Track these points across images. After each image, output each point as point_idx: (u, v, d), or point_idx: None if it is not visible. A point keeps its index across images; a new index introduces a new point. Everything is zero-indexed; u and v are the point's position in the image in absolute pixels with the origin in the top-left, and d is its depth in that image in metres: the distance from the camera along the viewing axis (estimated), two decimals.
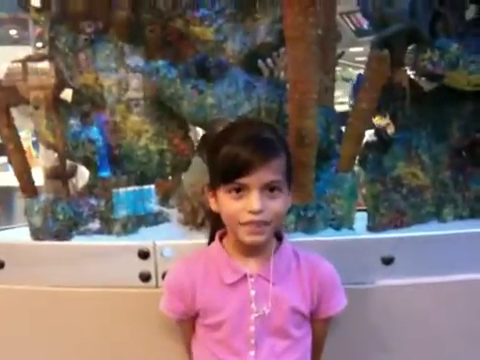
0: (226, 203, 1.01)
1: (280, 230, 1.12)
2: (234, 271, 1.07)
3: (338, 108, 1.77)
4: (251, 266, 1.07)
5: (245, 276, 1.06)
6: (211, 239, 1.16)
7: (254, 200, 0.98)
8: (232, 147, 0.99)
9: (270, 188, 1.00)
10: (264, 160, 0.98)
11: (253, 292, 1.06)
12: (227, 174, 0.99)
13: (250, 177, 0.98)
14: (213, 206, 1.07)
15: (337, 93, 1.73)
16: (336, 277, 1.13)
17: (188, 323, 1.14)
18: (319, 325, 1.14)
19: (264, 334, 1.06)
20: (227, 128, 1.10)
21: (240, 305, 1.06)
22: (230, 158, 0.99)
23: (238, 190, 1.00)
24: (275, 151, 1.01)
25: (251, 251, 1.07)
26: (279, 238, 1.11)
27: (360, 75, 1.50)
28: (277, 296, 1.06)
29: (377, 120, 1.63)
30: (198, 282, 1.08)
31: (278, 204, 1.01)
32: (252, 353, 1.06)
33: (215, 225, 1.14)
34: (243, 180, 0.98)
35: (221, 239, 1.12)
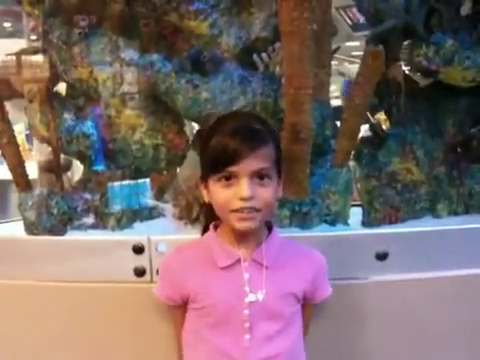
0: (216, 192, 1.03)
1: (270, 221, 1.14)
2: (227, 255, 1.08)
3: (333, 103, 1.76)
4: (244, 252, 1.08)
5: (238, 260, 1.07)
6: (204, 231, 1.17)
7: (244, 187, 1.00)
8: (221, 137, 1.02)
9: (259, 176, 1.02)
10: (252, 148, 1.00)
11: (247, 275, 1.07)
12: (216, 163, 1.01)
13: (239, 165, 1.00)
14: (206, 198, 1.09)
15: (332, 88, 1.73)
16: (326, 264, 1.15)
17: (179, 310, 1.14)
18: (309, 311, 1.17)
19: (258, 318, 1.06)
20: (216, 121, 1.11)
21: (233, 289, 1.06)
22: (219, 148, 1.01)
23: (228, 178, 1.01)
24: (263, 139, 1.03)
25: (243, 238, 1.08)
26: (269, 228, 1.13)
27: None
28: (271, 280, 1.07)
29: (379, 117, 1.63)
30: (190, 267, 1.10)
31: (268, 192, 1.03)
32: (247, 336, 1.06)
33: (208, 219, 1.15)
34: (232, 168, 1.00)
35: (215, 229, 1.13)
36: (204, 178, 1.07)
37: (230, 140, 1.00)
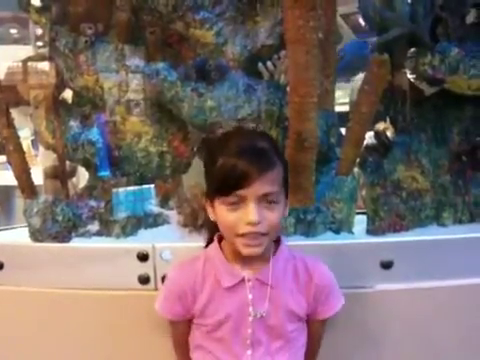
0: (223, 214, 1.02)
1: (279, 235, 1.12)
2: (232, 275, 1.08)
3: (338, 108, 1.76)
4: (249, 269, 1.08)
5: (243, 280, 1.07)
6: (208, 243, 1.17)
7: (251, 212, 0.99)
8: (228, 159, 1.00)
9: (267, 200, 1.00)
10: (260, 172, 0.99)
11: (251, 296, 1.07)
12: (224, 186, 1.00)
13: (247, 189, 0.98)
14: (211, 215, 1.08)
15: (337, 94, 1.73)
16: (332, 279, 1.13)
17: (182, 324, 1.14)
18: (316, 326, 1.16)
19: (260, 334, 1.08)
20: (221, 138, 1.11)
21: (238, 308, 1.07)
22: (226, 170, 0.99)
23: (235, 202, 1.00)
24: (271, 162, 1.01)
25: (249, 257, 1.06)
26: (276, 241, 1.12)
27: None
28: (274, 299, 1.07)
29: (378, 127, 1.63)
30: (198, 284, 1.09)
31: (274, 215, 1.02)
32: (249, 352, 1.08)
33: (212, 230, 1.14)
34: (240, 192, 0.99)
35: (220, 241, 1.12)
36: (209, 197, 1.06)
37: (238, 162, 0.98)
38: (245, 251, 1.02)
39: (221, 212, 1.02)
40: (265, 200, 1.00)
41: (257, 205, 0.99)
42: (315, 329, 1.16)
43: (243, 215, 0.99)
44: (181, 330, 1.16)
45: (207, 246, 1.17)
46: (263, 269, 1.08)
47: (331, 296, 1.13)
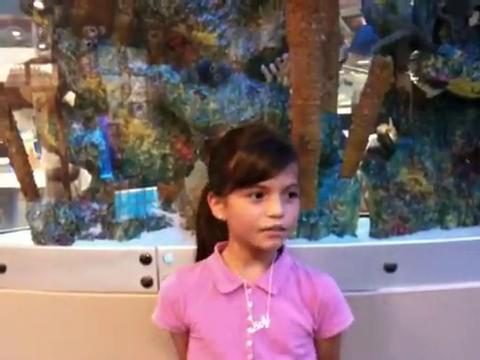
0: (243, 208, 0.97)
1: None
2: (230, 281, 1.02)
3: (340, 111, 1.76)
4: (249, 277, 1.03)
5: (242, 286, 1.02)
6: (200, 253, 1.13)
7: (276, 204, 0.95)
8: (250, 151, 0.97)
9: (289, 192, 0.98)
10: (285, 163, 0.97)
11: (250, 304, 1.01)
12: (247, 178, 0.96)
13: (272, 180, 0.95)
14: (219, 213, 1.02)
15: (340, 97, 1.73)
16: (338, 294, 1.07)
17: (181, 336, 1.09)
18: (325, 346, 1.07)
19: (262, 349, 1.00)
20: (232, 134, 1.07)
21: (236, 318, 1.01)
22: (249, 162, 0.96)
23: (258, 194, 0.97)
24: (292, 155, 1.01)
25: (252, 260, 1.03)
26: (279, 249, 1.07)
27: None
28: (276, 308, 1.01)
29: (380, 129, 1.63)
30: (190, 293, 1.05)
31: (295, 209, 0.99)
32: None
33: (203, 238, 1.12)
34: (265, 183, 0.95)
35: (220, 252, 1.07)
36: (218, 193, 1.02)
37: (263, 153, 0.96)
38: (267, 243, 0.97)
39: (240, 206, 0.97)
40: (287, 192, 0.97)
41: (280, 198, 0.96)
42: (325, 350, 1.07)
43: (266, 208, 0.96)
44: (181, 344, 1.10)
45: (197, 260, 1.12)
46: (264, 276, 1.02)
47: (338, 311, 1.06)
